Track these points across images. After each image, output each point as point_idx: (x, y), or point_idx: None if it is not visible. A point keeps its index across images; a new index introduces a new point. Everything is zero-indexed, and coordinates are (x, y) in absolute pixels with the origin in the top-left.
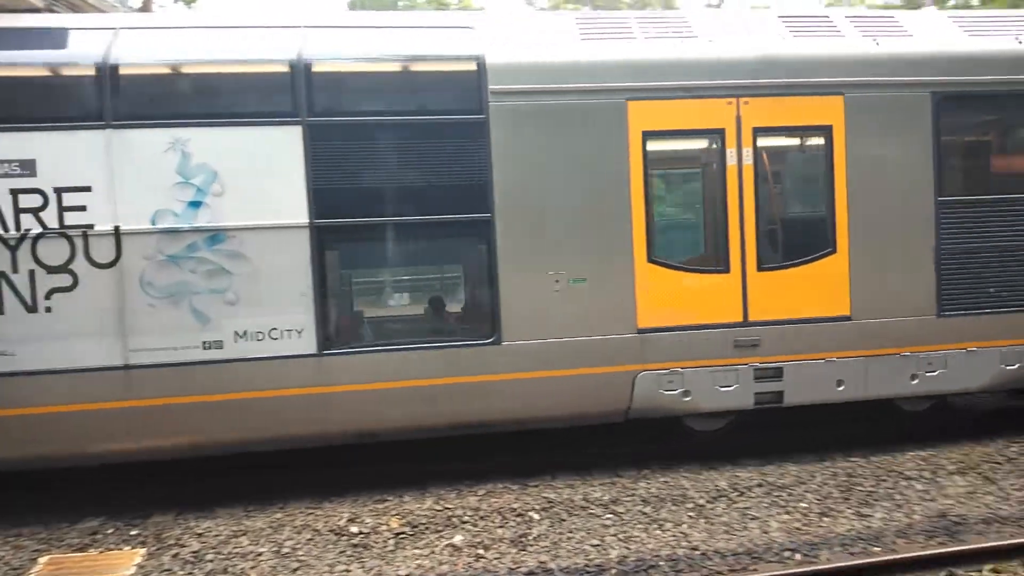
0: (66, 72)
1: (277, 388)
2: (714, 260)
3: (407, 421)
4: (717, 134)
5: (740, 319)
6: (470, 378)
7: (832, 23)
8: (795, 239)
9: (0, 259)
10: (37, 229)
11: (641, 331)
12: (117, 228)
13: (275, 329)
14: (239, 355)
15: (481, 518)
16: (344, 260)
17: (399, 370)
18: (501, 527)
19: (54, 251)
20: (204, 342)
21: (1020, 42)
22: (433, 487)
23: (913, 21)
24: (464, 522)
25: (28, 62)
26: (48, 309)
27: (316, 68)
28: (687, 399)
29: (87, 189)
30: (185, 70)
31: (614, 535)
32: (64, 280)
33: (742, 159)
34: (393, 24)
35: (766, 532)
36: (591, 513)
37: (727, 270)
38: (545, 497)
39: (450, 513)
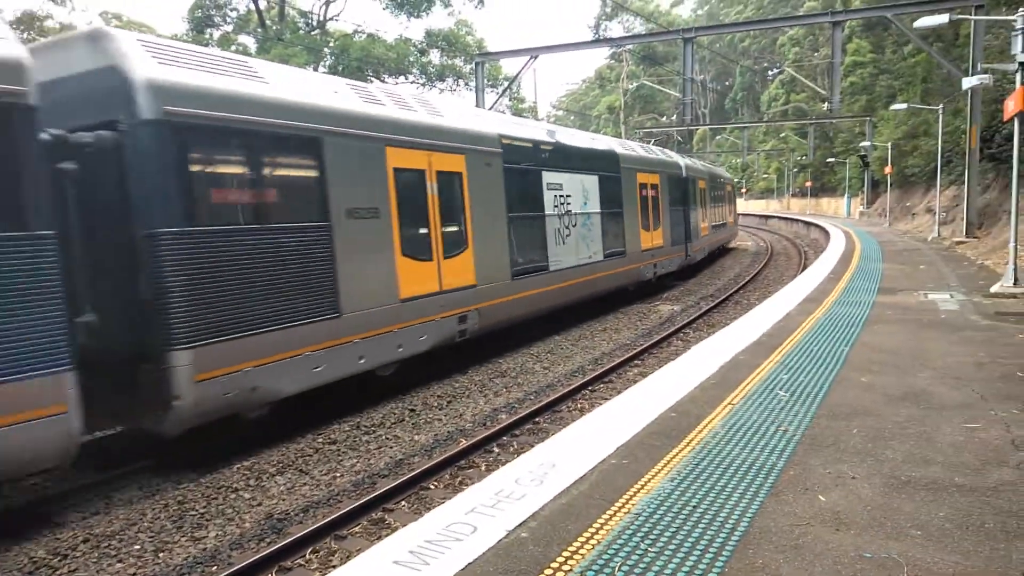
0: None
1: (592, 275)
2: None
3: (608, 288)
4: (633, 176)
5: None
6: (619, 269)
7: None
8: (648, 216)
9: (555, 223)
10: (563, 211)
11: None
12: (571, 211)
13: (595, 252)
14: (585, 262)
15: None
16: (604, 226)
17: (612, 266)
18: None
19: (566, 221)
20: (579, 258)
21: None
22: None
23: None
24: None
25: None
26: (564, 243)
27: (593, 154)
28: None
29: (569, 195)
30: (570, 152)
31: None
32: (566, 232)
33: (634, 185)
34: (586, 136)
35: None
36: None
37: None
38: None
39: None
